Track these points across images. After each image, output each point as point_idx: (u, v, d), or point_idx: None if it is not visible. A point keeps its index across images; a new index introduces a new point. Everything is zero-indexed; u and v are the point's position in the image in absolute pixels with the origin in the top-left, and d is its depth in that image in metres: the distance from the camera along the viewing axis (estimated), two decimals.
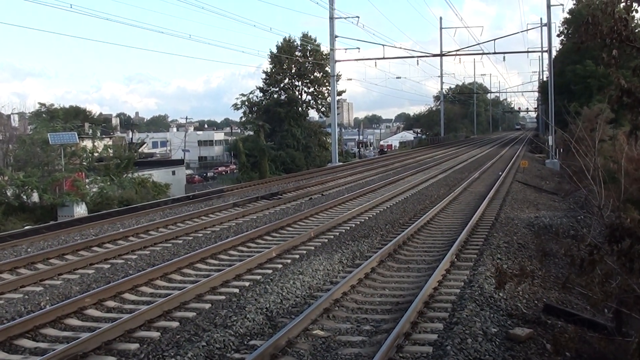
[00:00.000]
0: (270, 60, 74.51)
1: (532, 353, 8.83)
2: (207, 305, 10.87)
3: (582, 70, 61.59)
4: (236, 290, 11.78)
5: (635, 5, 8.24)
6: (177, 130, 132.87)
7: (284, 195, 27.81)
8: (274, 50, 73.78)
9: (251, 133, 71.81)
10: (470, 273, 12.91)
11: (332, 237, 17.12)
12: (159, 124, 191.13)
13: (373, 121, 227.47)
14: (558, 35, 75.24)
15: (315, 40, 74.24)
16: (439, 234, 17.97)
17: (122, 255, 15.33)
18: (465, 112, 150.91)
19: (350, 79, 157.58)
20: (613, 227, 8.04)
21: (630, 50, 8.39)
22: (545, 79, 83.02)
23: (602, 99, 46.02)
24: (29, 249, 16.31)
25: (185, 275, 13.39)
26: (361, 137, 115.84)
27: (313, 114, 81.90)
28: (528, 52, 78.59)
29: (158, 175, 49.46)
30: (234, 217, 21.24)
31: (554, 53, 63.07)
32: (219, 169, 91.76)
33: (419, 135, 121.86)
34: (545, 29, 59.00)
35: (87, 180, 33.61)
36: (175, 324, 9.93)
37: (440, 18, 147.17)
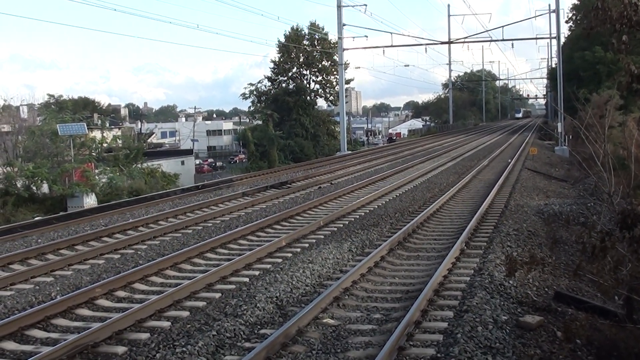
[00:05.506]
0: (278, 49, 74.36)
1: (542, 340, 8.81)
2: (218, 295, 10.90)
3: (590, 57, 61.20)
4: (246, 280, 11.82)
5: None
6: (186, 120, 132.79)
7: (293, 184, 27.82)
8: (282, 40, 73.61)
9: (260, 122, 71.71)
10: (480, 261, 12.88)
11: (341, 225, 17.11)
12: (168, 114, 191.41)
13: (381, 109, 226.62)
14: (566, 22, 74.75)
15: (323, 29, 73.97)
16: (449, 222, 17.94)
17: (132, 245, 15.39)
18: (474, 99, 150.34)
19: (359, 67, 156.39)
20: (625, 213, 7.99)
21: None
22: (553, 65, 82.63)
23: (611, 85, 45.87)
24: (39, 240, 16.39)
25: (195, 264, 13.43)
26: (370, 126, 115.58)
27: (321, 103, 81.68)
28: (536, 38, 78.11)
29: (167, 165, 49.43)
30: (243, 206, 21.26)
31: (562, 39, 62.77)
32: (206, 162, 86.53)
33: (427, 123, 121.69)
34: (553, 15, 58.69)
35: (96, 171, 33.66)
36: (185, 313, 9.97)
37: (448, 5, 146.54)
